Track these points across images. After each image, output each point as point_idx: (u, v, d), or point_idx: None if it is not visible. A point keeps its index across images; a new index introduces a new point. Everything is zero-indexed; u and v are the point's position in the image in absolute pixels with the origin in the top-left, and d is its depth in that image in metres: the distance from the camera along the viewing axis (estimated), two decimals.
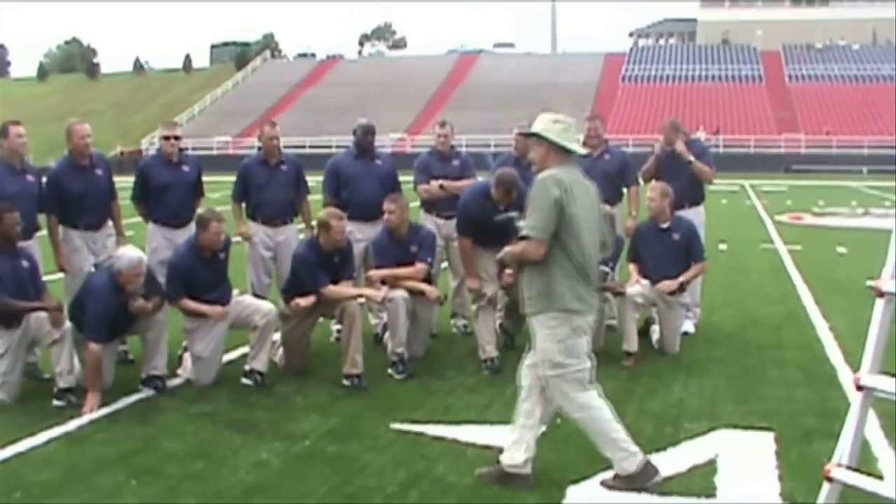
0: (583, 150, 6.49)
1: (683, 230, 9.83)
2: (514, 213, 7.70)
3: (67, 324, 8.12)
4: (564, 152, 6.15)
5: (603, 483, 6.19)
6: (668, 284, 9.57)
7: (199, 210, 9.35)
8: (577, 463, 6.58)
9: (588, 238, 6.08)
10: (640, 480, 6.06)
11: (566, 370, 6.06)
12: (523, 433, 6.27)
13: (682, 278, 9.62)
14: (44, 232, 9.27)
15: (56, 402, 7.98)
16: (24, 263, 8.31)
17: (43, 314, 8.11)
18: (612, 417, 6.18)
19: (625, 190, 10.88)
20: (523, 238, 6.05)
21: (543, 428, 6.51)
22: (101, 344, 8.09)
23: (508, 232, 9.18)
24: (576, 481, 6.28)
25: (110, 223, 9.61)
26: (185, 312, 8.72)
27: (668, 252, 9.73)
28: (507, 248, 6.40)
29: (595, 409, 6.15)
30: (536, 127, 6.22)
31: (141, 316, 8.34)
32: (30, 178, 9.08)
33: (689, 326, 10.49)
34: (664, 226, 9.80)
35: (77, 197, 9.21)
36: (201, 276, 8.65)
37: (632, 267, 9.96)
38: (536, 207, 5.97)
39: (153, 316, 8.40)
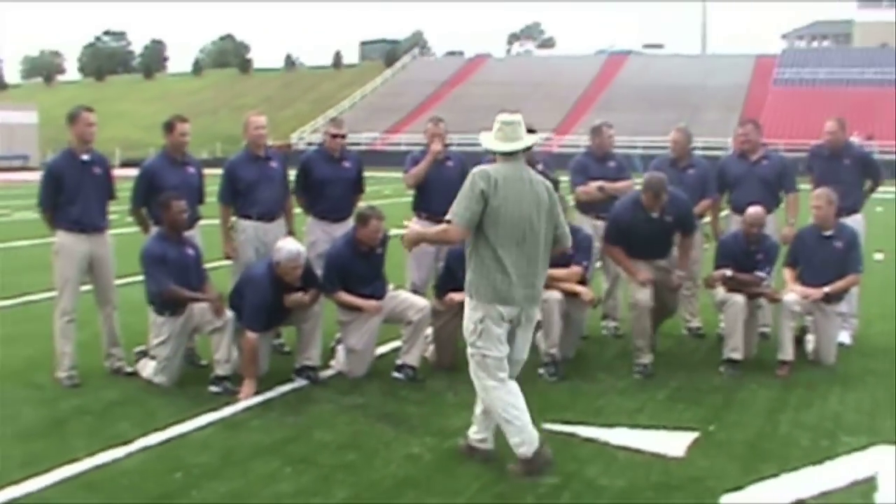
0: (504, 148, 6.51)
1: (846, 238, 9.55)
2: None
3: (229, 313, 8.31)
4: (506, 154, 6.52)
5: (509, 468, 6.44)
6: (810, 292, 9.32)
7: (360, 206, 9.41)
8: (730, 471, 6.48)
9: (512, 232, 6.35)
10: (536, 468, 6.35)
11: (477, 351, 6.44)
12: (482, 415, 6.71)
13: (827, 288, 9.34)
14: (207, 221, 9.50)
15: (212, 388, 8.20)
16: (190, 252, 8.56)
17: (205, 304, 8.34)
18: (515, 402, 6.44)
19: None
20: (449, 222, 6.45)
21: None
22: (257, 332, 8.27)
23: (660, 240, 9.15)
24: (729, 490, 6.16)
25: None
26: (341, 305, 8.84)
27: (828, 260, 9.46)
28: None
29: (499, 390, 6.45)
30: (484, 143, 6.66)
31: (298, 308, 8.49)
32: (191, 169, 9.29)
33: (845, 337, 10.22)
34: (827, 233, 9.52)
35: (250, 187, 9.40)
36: (357, 270, 8.75)
37: (787, 273, 9.72)
38: (462, 195, 6.36)
39: (310, 308, 8.55)
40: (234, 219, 9.58)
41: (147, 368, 8.65)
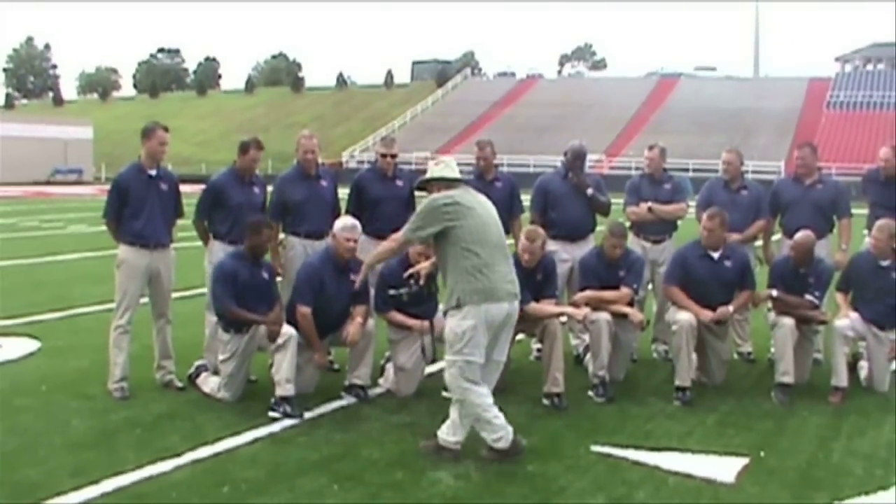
0: (453, 175, 7.33)
1: None
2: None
3: (292, 331, 8.24)
4: (448, 181, 7.26)
5: (483, 454, 7.02)
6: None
7: None
8: (781, 499, 6.41)
9: (486, 232, 7.03)
10: (511, 455, 6.95)
11: (462, 357, 6.93)
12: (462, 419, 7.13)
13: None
14: None
15: (272, 413, 7.99)
16: (264, 274, 8.56)
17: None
18: (490, 402, 7.01)
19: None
20: None
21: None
22: (307, 307, 8.38)
23: (718, 287, 9.09)
24: None
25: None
26: (391, 324, 8.84)
27: (884, 289, 9.29)
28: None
29: (479, 393, 6.98)
30: (427, 175, 7.41)
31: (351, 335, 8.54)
32: (256, 189, 9.37)
33: None
34: (885, 263, 9.35)
35: (300, 205, 9.46)
36: (411, 290, 8.74)
37: (840, 298, 9.58)
38: (418, 215, 7.17)
39: (363, 327, 8.58)
40: (283, 235, 9.63)
41: (209, 383, 8.67)
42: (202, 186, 9.46)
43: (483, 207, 7.19)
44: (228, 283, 8.31)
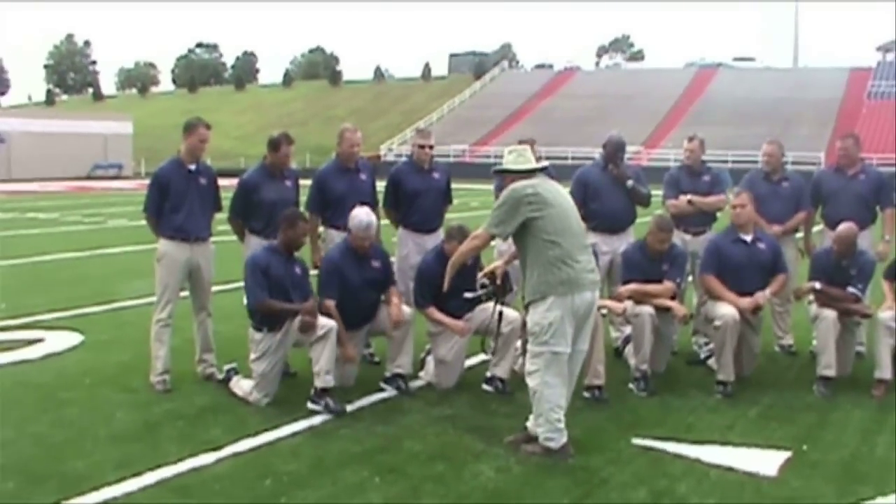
0: (532, 166, 7.34)
1: None
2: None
3: (332, 322, 8.17)
4: (525, 173, 7.23)
5: (524, 447, 7.04)
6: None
7: (450, 222, 9.37)
8: (824, 493, 6.36)
9: (566, 223, 7.04)
10: (557, 456, 6.86)
11: (548, 349, 6.94)
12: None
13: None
14: None
15: (311, 406, 7.98)
16: (297, 270, 8.45)
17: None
18: (562, 404, 7.02)
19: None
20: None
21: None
22: (332, 300, 8.37)
23: (753, 271, 9.06)
24: None
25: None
26: (431, 320, 8.87)
27: None
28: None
29: (557, 389, 6.98)
30: (502, 165, 7.41)
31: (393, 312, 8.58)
32: (288, 183, 9.43)
33: None
34: None
35: (339, 198, 9.47)
36: (458, 283, 8.74)
37: (887, 286, 9.37)
38: (500, 208, 7.09)
39: (400, 312, 8.60)
40: (322, 228, 9.65)
41: (241, 386, 8.51)
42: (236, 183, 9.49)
43: (562, 197, 7.19)
44: (261, 275, 8.21)
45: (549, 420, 6.90)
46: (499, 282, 8.07)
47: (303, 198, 9.54)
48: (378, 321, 8.80)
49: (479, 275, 8.28)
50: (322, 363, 8.00)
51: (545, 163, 7.52)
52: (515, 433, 7.25)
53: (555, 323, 6.84)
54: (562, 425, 6.93)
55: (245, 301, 8.46)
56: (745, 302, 8.91)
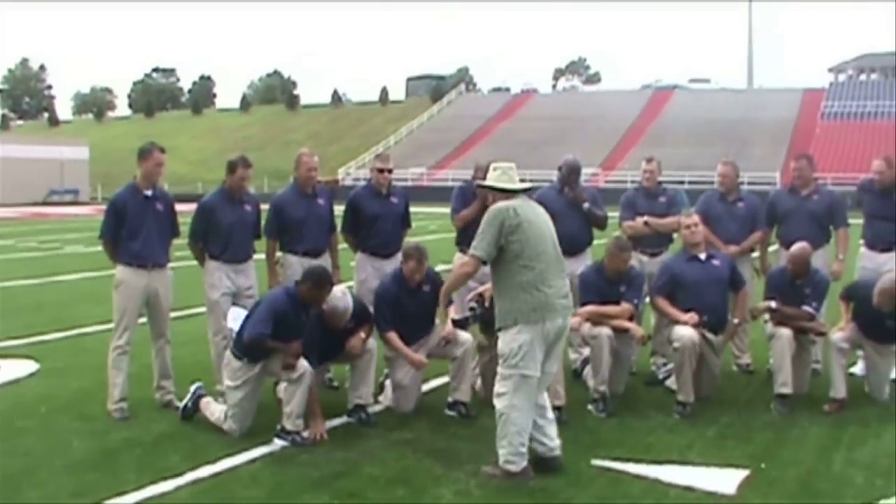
0: (516, 186, 7.22)
1: None
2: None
3: (307, 366, 7.97)
4: (506, 192, 7.16)
5: (483, 470, 7.01)
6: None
7: (406, 243, 9.36)
8: None
9: (542, 248, 6.98)
10: (518, 479, 6.85)
11: (517, 371, 6.90)
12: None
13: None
14: (258, 256, 9.53)
15: (278, 441, 7.83)
16: (304, 318, 8.18)
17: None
18: (526, 429, 6.98)
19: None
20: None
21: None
22: (312, 369, 8.10)
23: (711, 289, 9.15)
24: None
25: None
26: (389, 346, 8.84)
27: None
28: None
29: (524, 413, 6.95)
30: (486, 182, 7.38)
31: (354, 346, 8.46)
32: (248, 207, 9.38)
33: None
34: (886, 309, 8.96)
35: (297, 223, 9.46)
36: (406, 307, 8.75)
37: (843, 307, 9.42)
38: (483, 231, 7.00)
39: (365, 344, 8.53)
40: (279, 254, 9.63)
41: (213, 410, 8.32)
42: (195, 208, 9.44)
43: (541, 219, 7.18)
44: (274, 316, 7.94)
45: (511, 443, 6.88)
46: (486, 304, 8.12)
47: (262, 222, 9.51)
48: (343, 353, 8.65)
49: (468, 297, 8.37)
50: (294, 406, 7.87)
51: (528, 184, 7.47)
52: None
53: (524, 346, 6.83)
54: (524, 449, 6.92)
55: (233, 324, 8.41)
56: (688, 317, 8.98)
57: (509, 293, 6.93)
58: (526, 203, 7.16)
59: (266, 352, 7.97)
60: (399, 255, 9.49)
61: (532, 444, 7.07)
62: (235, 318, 8.62)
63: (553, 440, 7.17)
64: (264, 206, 9.49)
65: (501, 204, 7.02)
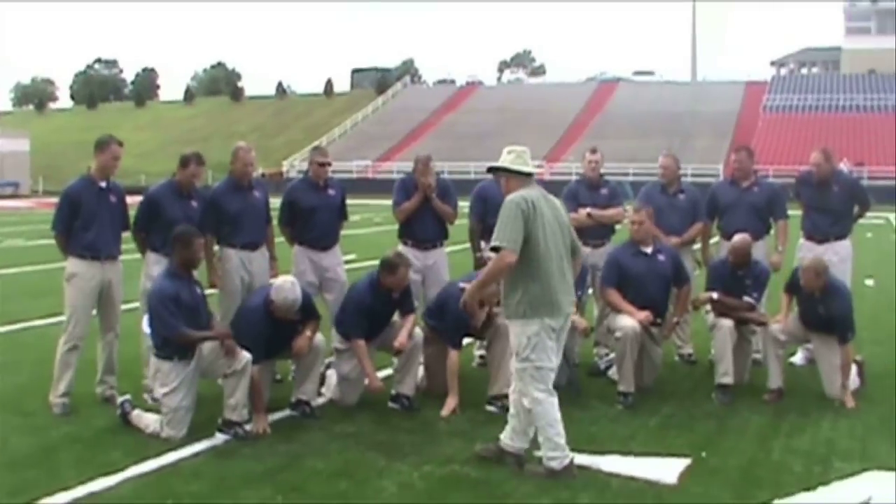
0: (533, 170, 7.17)
1: (836, 308, 9.04)
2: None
3: (247, 355, 7.87)
4: (522, 175, 7.06)
5: (528, 468, 6.98)
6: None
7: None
8: (723, 498, 6.51)
9: (553, 245, 6.92)
10: (560, 477, 6.76)
11: (531, 364, 6.89)
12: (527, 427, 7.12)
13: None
14: None
15: (220, 434, 7.77)
16: (198, 290, 8.16)
17: (215, 344, 7.93)
18: (558, 418, 6.93)
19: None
20: (495, 249, 6.88)
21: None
22: (257, 364, 8.02)
23: (655, 284, 9.20)
24: None
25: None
26: (356, 353, 8.68)
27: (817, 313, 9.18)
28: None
29: (549, 403, 6.94)
30: (498, 163, 7.17)
31: (301, 347, 8.37)
32: (194, 203, 9.28)
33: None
34: (817, 294, 9.03)
35: (235, 217, 9.39)
36: (378, 316, 8.78)
37: (785, 299, 9.51)
38: (505, 222, 6.82)
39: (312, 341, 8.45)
40: (217, 247, 9.56)
41: (147, 422, 7.98)
42: (141, 198, 9.36)
43: (555, 212, 7.10)
44: (171, 303, 7.78)
45: (548, 438, 6.86)
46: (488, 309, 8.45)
47: None
48: (290, 348, 8.50)
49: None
50: (237, 396, 7.81)
51: (538, 168, 7.27)
52: (487, 444, 7.27)
53: (533, 337, 6.82)
54: (562, 440, 6.87)
55: (147, 329, 8.24)
56: (643, 315, 9.02)
57: (520, 284, 6.86)
58: (540, 194, 7.06)
59: (194, 345, 7.87)
60: (337, 248, 9.71)
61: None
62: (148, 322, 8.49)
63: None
64: None
65: (516, 195, 6.90)
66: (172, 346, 7.84)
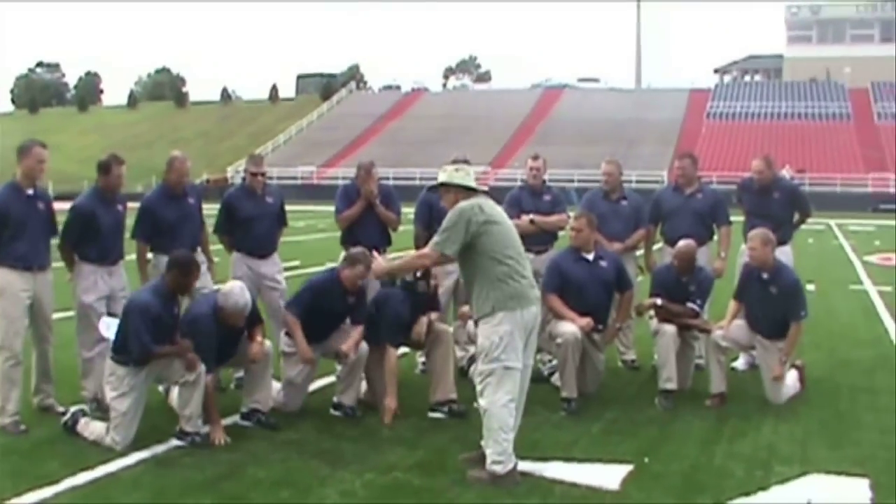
0: (481, 187, 7.28)
1: (785, 286, 9.16)
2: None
3: (202, 367, 7.79)
4: (467, 190, 7.16)
5: (470, 475, 6.90)
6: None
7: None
8: (666, 502, 6.53)
9: (510, 241, 7.07)
10: (503, 482, 6.76)
11: (500, 364, 6.86)
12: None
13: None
14: (129, 257, 9.29)
15: (178, 442, 7.68)
16: (176, 310, 8.03)
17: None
18: (510, 425, 6.89)
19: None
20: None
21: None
22: (210, 373, 7.92)
23: (597, 290, 9.22)
24: None
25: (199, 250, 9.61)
26: (290, 335, 8.69)
27: (766, 302, 9.22)
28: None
29: (507, 409, 6.88)
30: (441, 178, 7.29)
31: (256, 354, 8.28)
32: (119, 208, 9.09)
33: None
34: (765, 276, 9.21)
35: (170, 226, 9.28)
36: (333, 308, 8.73)
37: (732, 306, 9.54)
38: (447, 228, 7.00)
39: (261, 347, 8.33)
40: (151, 255, 9.43)
41: (93, 429, 7.86)
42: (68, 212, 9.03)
43: (503, 216, 7.23)
44: (152, 323, 7.66)
45: (497, 442, 6.84)
46: (419, 275, 8.66)
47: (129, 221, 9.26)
48: (239, 355, 8.43)
49: (419, 273, 8.69)
50: (192, 407, 7.72)
51: (485, 187, 7.43)
52: (471, 452, 7.22)
53: (505, 337, 6.83)
54: (510, 447, 6.86)
55: (107, 333, 8.16)
56: (584, 321, 9.03)
57: (485, 285, 6.94)
58: (488, 202, 7.15)
59: (161, 357, 7.76)
60: (276, 255, 9.84)
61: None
62: (108, 326, 8.32)
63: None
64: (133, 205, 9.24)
65: (466, 203, 7.02)
66: (132, 354, 7.72)
